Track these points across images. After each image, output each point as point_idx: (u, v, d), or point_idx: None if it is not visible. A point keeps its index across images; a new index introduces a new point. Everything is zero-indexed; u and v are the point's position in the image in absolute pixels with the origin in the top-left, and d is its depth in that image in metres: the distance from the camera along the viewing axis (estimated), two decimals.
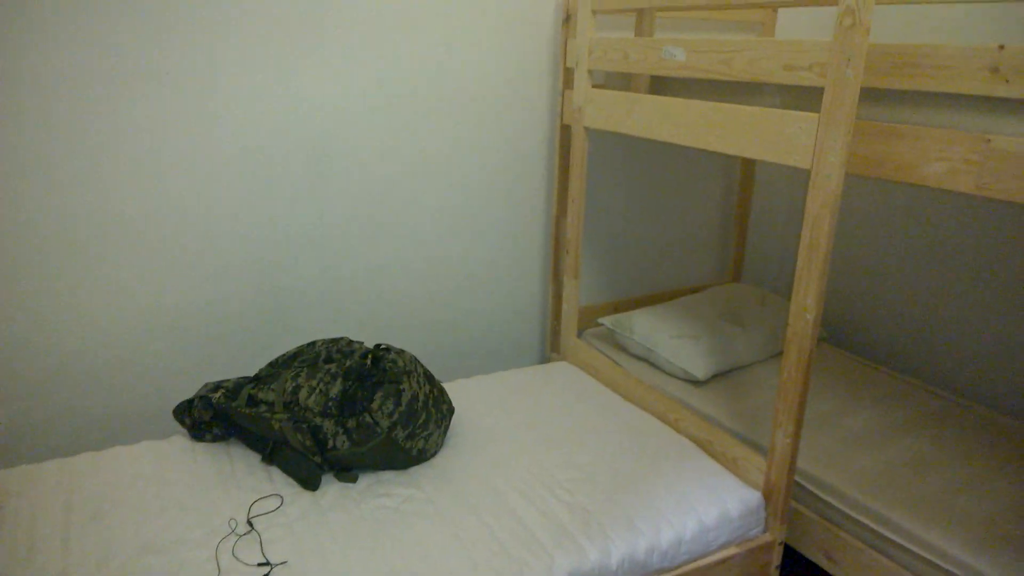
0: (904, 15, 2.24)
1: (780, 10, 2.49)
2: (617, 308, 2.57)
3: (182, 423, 1.68)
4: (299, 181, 1.93)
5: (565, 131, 2.21)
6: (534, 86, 2.20)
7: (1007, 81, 1.19)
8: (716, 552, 1.55)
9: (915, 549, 1.50)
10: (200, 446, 1.66)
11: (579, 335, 2.40)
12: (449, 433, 1.76)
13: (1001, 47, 1.20)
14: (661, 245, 2.67)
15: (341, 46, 1.88)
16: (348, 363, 1.65)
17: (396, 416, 1.55)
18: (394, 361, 1.65)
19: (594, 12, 1.93)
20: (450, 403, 1.73)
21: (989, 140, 1.24)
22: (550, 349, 2.46)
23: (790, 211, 2.81)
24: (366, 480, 1.57)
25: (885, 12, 2.27)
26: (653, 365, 2.23)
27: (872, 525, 1.58)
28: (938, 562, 1.46)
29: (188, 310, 1.88)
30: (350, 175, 2.00)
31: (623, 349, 2.33)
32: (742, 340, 2.24)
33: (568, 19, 2.11)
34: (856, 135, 1.42)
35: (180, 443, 1.67)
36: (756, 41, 1.46)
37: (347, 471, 1.57)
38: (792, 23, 2.55)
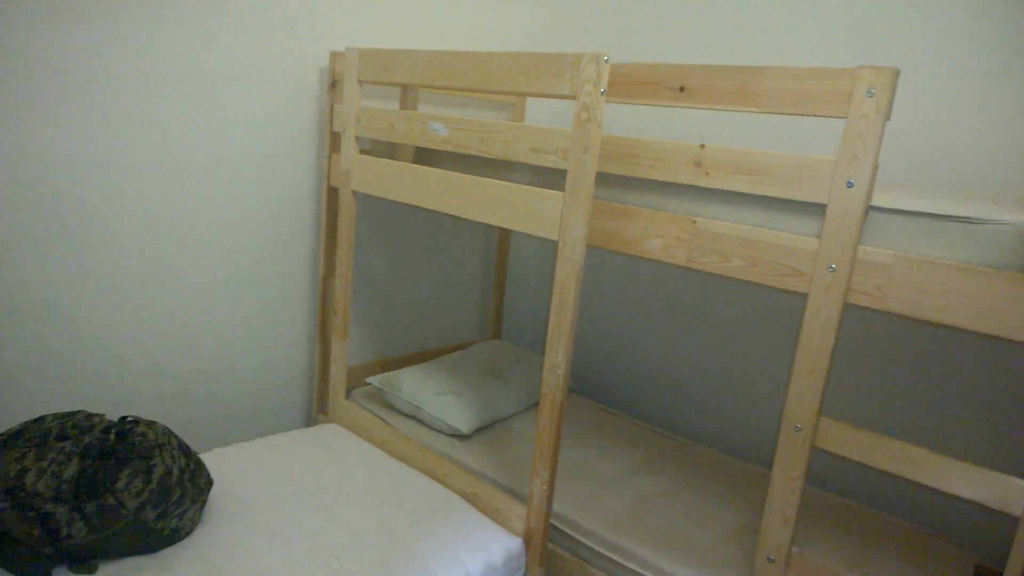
0: (634, 112, 2.60)
1: None
2: (384, 367, 2.60)
3: None
4: (27, 241, 1.74)
5: (332, 193, 2.23)
6: (300, 148, 2.21)
7: (707, 174, 1.45)
8: None
9: None
10: None
11: (347, 395, 2.39)
12: (208, 508, 1.65)
13: (702, 146, 1.46)
14: (426, 304, 2.76)
15: (93, 102, 1.75)
16: (87, 440, 1.49)
17: (146, 495, 1.43)
18: (143, 434, 1.53)
19: (360, 82, 2.00)
20: (208, 475, 1.63)
21: (695, 222, 1.49)
22: (317, 411, 2.41)
23: (541, 275, 3.06)
24: (108, 569, 1.41)
25: (616, 109, 2.62)
26: (421, 422, 2.28)
27: (618, 559, 1.75)
28: None
29: None
30: (94, 236, 1.83)
31: (391, 407, 2.35)
32: (503, 394, 2.38)
33: (334, 85, 2.15)
34: (593, 213, 1.62)
35: None
36: (510, 125, 1.62)
37: (85, 561, 1.41)
38: (540, 105, 2.83)
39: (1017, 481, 1.20)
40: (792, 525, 1.43)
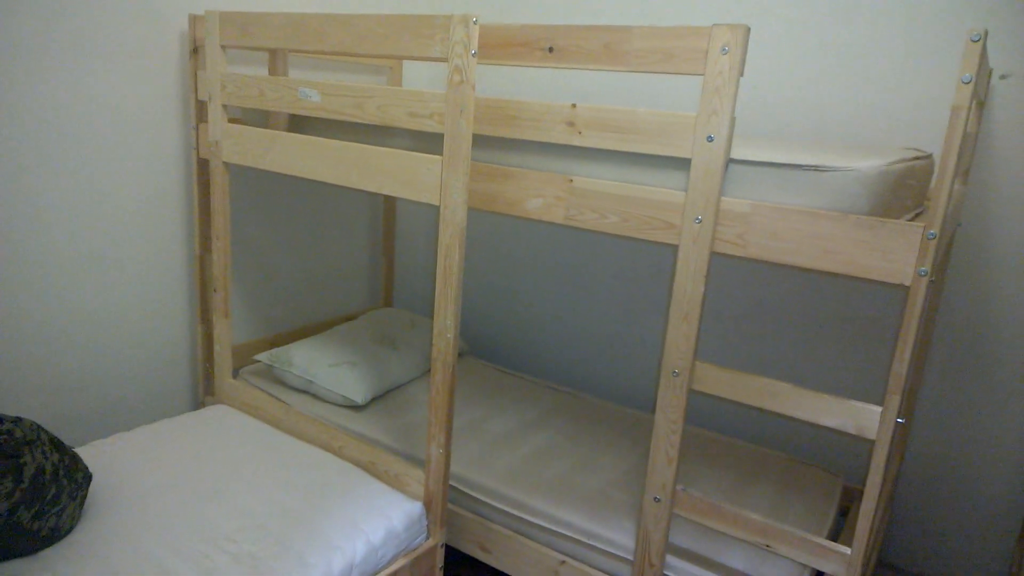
0: (510, 74, 2.61)
1: None
2: (274, 343, 2.54)
3: None
4: None
5: (203, 165, 2.13)
6: (165, 119, 2.08)
7: (580, 133, 1.49)
8: (386, 568, 1.63)
9: (549, 526, 1.76)
10: None
11: (235, 375, 2.32)
12: (89, 503, 1.57)
13: (574, 106, 1.49)
14: (314, 276, 2.70)
15: None
16: None
17: (18, 495, 1.35)
18: (9, 432, 1.43)
19: (224, 46, 1.90)
20: (86, 470, 1.55)
21: (571, 181, 1.52)
22: (203, 393, 2.33)
23: (430, 239, 3.05)
24: None
25: (492, 71, 2.62)
26: (314, 396, 2.25)
27: (515, 512, 1.81)
28: (567, 533, 1.74)
29: None
30: None
31: (283, 383, 2.30)
32: (396, 362, 2.38)
33: (196, 51, 2.04)
34: (474, 176, 1.63)
35: None
36: (384, 89, 1.59)
37: None
38: (417, 69, 2.79)
39: (871, 407, 1.32)
40: (675, 464, 1.51)
